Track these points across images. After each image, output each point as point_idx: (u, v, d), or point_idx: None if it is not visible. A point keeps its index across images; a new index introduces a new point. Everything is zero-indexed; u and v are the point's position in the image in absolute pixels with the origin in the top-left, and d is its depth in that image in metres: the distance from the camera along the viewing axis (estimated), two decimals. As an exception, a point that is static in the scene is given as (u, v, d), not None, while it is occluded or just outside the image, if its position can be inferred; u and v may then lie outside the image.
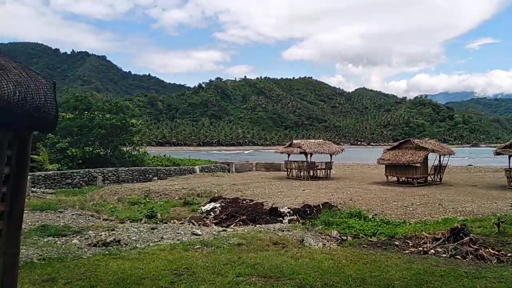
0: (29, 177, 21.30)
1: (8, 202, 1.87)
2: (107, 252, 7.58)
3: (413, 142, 23.71)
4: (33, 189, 21.07)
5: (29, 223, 10.86)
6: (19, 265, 6.01)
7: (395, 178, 23.89)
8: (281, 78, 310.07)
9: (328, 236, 9.85)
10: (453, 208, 13.97)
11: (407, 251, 8.22)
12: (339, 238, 9.76)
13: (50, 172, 24.16)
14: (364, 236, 10.02)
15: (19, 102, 1.66)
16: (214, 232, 10.09)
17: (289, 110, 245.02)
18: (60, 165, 27.06)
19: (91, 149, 29.00)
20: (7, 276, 1.89)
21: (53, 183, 23.48)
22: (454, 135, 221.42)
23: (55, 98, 1.91)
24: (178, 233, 9.98)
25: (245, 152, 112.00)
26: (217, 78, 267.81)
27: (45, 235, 9.19)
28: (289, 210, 14.12)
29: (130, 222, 12.93)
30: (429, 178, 23.79)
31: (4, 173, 1.87)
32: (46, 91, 1.83)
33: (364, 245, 8.74)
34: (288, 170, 28.19)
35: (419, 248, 8.32)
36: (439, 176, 23.99)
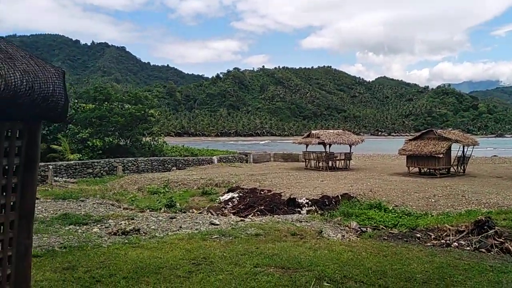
0: (51, 166, 21.83)
1: (19, 193, 1.85)
2: (126, 241, 7.66)
3: (436, 132, 23.17)
4: (55, 178, 21.57)
5: (51, 211, 11.12)
6: (38, 253, 6.12)
7: (416, 169, 23.45)
8: (300, 68, 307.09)
9: (347, 228, 9.74)
10: (477, 200, 13.60)
11: (429, 244, 8.04)
12: (359, 229, 9.64)
13: (72, 162, 24.68)
14: (385, 228, 9.86)
15: (26, 91, 1.62)
16: (232, 222, 10.10)
17: (308, 100, 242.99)
18: (81, 155, 27.60)
19: (111, 139, 29.45)
20: (20, 266, 1.88)
21: (74, 173, 23.99)
22: (478, 125, 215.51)
23: (64, 87, 1.86)
24: (197, 223, 10.04)
25: (261, 142, 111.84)
26: (235, 68, 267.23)
27: (67, 224, 9.38)
28: (308, 201, 14.03)
29: (150, 211, 13.10)
30: (452, 169, 23.25)
31: (14, 164, 1.84)
32: (54, 80, 1.78)
33: (384, 237, 8.58)
34: (307, 160, 28.01)
35: (442, 241, 8.12)
36: (462, 167, 23.41)
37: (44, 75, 1.74)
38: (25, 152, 1.82)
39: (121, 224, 9.58)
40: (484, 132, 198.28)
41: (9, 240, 1.80)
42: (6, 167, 1.78)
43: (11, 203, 1.80)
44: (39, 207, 11.75)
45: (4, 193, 1.79)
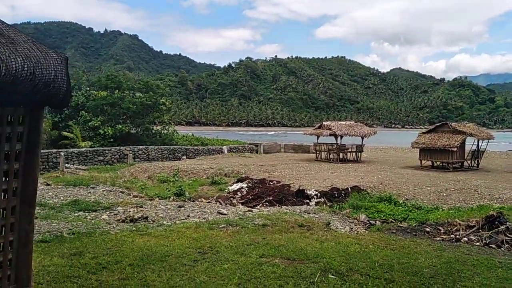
0: (62, 153, 22.16)
1: (20, 179, 1.87)
2: (134, 228, 7.76)
3: (450, 125, 22.85)
4: (66, 165, 21.91)
5: (62, 198, 11.31)
6: (47, 239, 6.24)
7: (429, 163, 23.20)
8: (313, 58, 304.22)
9: (355, 220, 9.70)
10: (489, 194, 13.42)
11: (438, 238, 7.97)
12: (367, 222, 9.59)
13: (83, 149, 25.02)
14: (394, 221, 9.80)
15: (27, 77, 1.63)
16: (239, 212, 10.15)
17: (320, 90, 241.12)
18: (92, 143, 27.95)
19: (122, 127, 29.74)
20: (22, 251, 1.91)
21: (86, 160, 24.33)
22: (495, 119, 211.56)
23: (67, 74, 1.86)
24: (204, 212, 10.11)
25: (269, 133, 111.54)
26: (247, 58, 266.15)
27: (76, 210, 9.54)
28: (317, 192, 14.01)
29: (159, 199, 13.24)
30: (465, 164, 22.94)
31: (16, 150, 1.86)
32: (56, 66, 1.78)
33: (393, 231, 8.54)
34: (317, 152, 27.92)
35: (451, 236, 8.04)
36: (476, 161, 23.07)
37: (46, 61, 1.74)
38: (26, 138, 1.84)
39: (130, 211, 9.69)
40: (500, 126, 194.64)
41: (10, 225, 1.83)
42: (8, 152, 1.80)
43: (13, 189, 1.83)
44: (50, 193, 11.96)
45: (6, 179, 1.81)
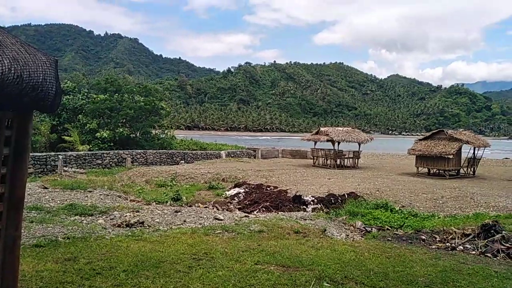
0: (61, 156, 22.05)
1: (8, 184, 1.82)
2: (129, 234, 7.68)
3: (447, 132, 22.88)
4: (65, 168, 21.78)
5: (58, 201, 11.21)
6: (41, 243, 6.16)
7: (426, 170, 23.18)
8: (311, 63, 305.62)
9: (352, 227, 9.65)
10: (485, 202, 13.38)
11: (433, 246, 7.91)
12: (363, 229, 9.54)
13: (82, 153, 24.91)
14: (390, 229, 9.75)
15: (14, 80, 1.58)
16: (236, 218, 10.08)
17: (319, 96, 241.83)
18: (91, 146, 27.85)
19: (121, 131, 29.66)
20: (8, 258, 1.85)
21: (84, 163, 24.22)
22: (491, 127, 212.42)
23: (56, 76, 1.81)
24: (201, 217, 10.03)
25: (267, 138, 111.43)
26: (246, 63, 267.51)
27: (72, 214, 9.44)
28: (313, 198, 13.97)
29: (156, 204, 13.14)
30: (462, 171, 22.93)
31: (3, 154, 1.81)
32: (45, 69, 1.73)
33: (388, 238, 8.47)
34: (315, 158, 27.91)
35: (447, 244, 7.99)
36: (472, 169, 23.07)
37: (34, 64, 1.69)
38: (15, 142, 1.79)
39: (126, 216, 9.60)
40: (497, 134, 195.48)
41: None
42: (-4, 157, 1.75)
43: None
44: (47, 197, 11.85)
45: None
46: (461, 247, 7.75)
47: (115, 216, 9.57)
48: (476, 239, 7.95)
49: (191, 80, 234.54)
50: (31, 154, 23.28)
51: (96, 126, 29.05)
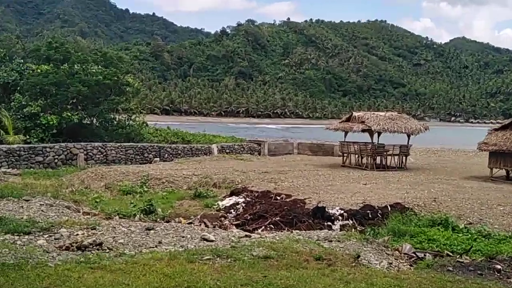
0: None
1: None
2: (82, 259, 7.74)
3: (534, 120, 22.76)
4: (-10, 168, 21.94)
5: (-20, 214, 11.28)
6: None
7: (503, 172, 23.12)
8: (340, 22, 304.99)
9: (396, 252, 9.68)
10: None
11: (513, 280, 7.93)
12: (413, 255, 9.57)
13: (15, 146, 25.00)
14: (451, 255, 9.78)
15: None
16: (233, 238, 10.14)
17: (351, 68, 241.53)
18: (28, 137, 27.91)
19: (70, 116, 29.67)
20: None
21: (18, 161, 24.34)
22: None
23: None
24: (183, 237, 10.11)
25: (268, 126, 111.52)
26: (248, 21, 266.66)
27: (2, 232, 9.50)
28: (342, 212, 14.01)
29: (120, 218, 13.26)
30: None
31: None
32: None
33: (449, 268, 8.50)
34: (345, 155, 27.91)
35: (533, 277, 7.99)
36: None
37: None
38: None
39: (78, 235, 9.68)
40: None
41: None
42: None
43: None
44: (-35, 208, 11.95)
45: None
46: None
47: (62, 235, 9.64)
48: None
49: (170, 45, 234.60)
50: None
51: (39, 110, 29.07)
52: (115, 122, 34.37)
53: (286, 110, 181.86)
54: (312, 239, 10.15)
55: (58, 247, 8.73)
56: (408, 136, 26.69)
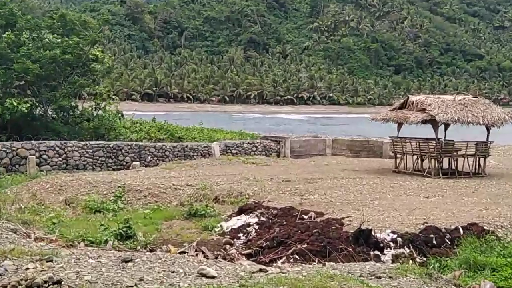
0: None
1: None
2: (34, 305, 7.79)
3: None
4: None
5: None
6: None
7: None
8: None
9: (472, 293, 9.64)
10: None
11: None
12: (496, 298, 9.53)
13: None
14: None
15: None
16: (242, 274, 10.13)
17: (406, 34, 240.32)
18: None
19: (15, 103, 29.82)
20: None
21: None
22: None
23: None
24: (173, 272, 10.10)
25: (288, 116, 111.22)
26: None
27: None
28: (395, 236, 13.96)
29: (86, 245, 13.27)
30: None
31: None
32: None
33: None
34: (398, 156, 27.83)
35: None
36: None
37: None
38: None
39: (28, 269, 9.73)
40: None
41: None
42: None
43: None
44: None
45: None
46: None
47: (6, 270, 9.70)
48: None
49: (153, 4, 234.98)
50: None
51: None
52: (78, 113, 34.50)
53: (316, 93, 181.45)
54: (353, 274, 10.13)
55: (0, 286, 8.80)
56: (488, 129, 26.53)
